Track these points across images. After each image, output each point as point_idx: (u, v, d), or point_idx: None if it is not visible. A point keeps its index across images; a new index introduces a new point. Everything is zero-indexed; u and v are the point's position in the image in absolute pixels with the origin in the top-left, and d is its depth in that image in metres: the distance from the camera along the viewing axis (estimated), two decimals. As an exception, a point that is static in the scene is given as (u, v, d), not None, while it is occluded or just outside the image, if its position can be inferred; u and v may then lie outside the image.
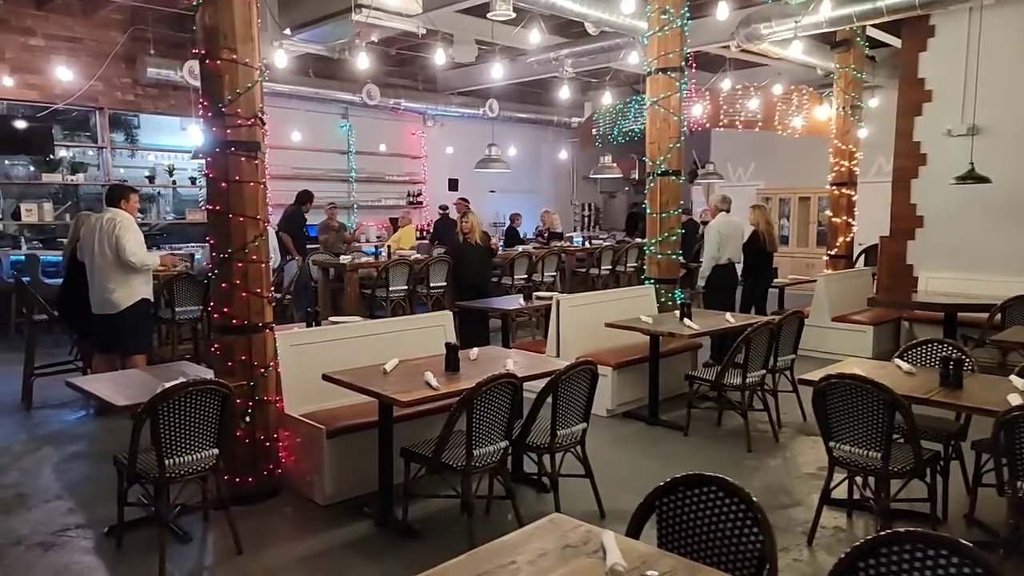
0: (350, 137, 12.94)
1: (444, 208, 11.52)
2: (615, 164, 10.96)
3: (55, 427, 5.45)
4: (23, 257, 8.54)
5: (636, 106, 11.09)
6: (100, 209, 6.41)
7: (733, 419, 5.28)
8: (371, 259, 7.86)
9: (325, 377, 3.71)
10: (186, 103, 10.94)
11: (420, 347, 4.48)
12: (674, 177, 6.53)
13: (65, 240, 6.54)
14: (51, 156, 10.34)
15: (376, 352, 4.24)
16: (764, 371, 5.05)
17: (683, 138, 6.50)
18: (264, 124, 3.88)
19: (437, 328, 4.89)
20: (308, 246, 9.42)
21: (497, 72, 9.65)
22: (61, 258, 6.28)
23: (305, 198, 9.16)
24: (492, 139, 15.02)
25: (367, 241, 11.55)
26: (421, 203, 14.00)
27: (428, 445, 3.42)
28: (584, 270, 10.14)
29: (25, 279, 7.86)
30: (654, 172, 6.52)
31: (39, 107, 9.78)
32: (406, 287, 7.56)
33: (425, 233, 11.75)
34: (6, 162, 10.24)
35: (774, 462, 4.71)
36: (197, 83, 3.91)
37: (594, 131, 11.83)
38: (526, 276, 8.80)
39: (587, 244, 11.83)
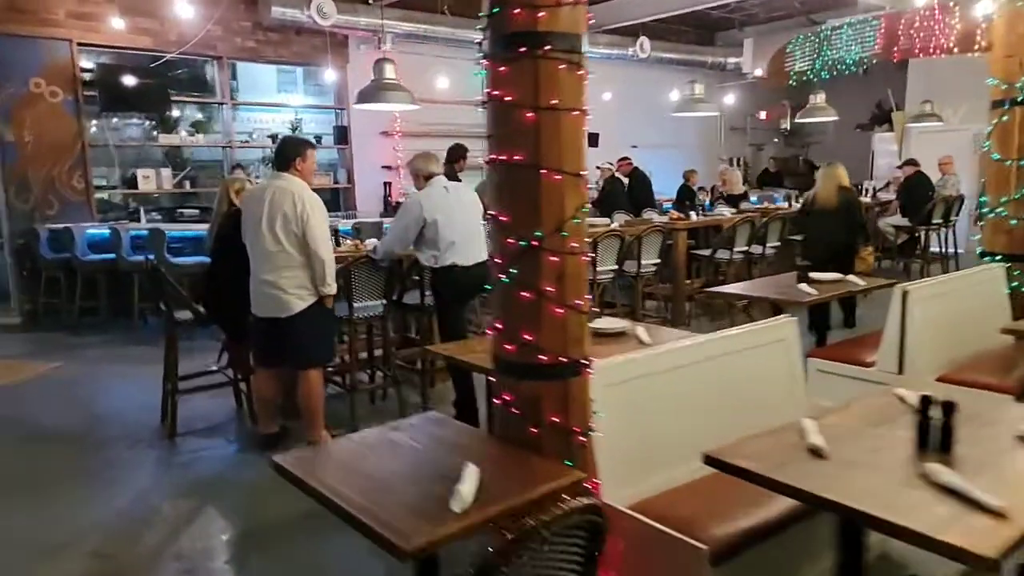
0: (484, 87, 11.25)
1: (626, 160, 9.60)
2: (824, 103, 8.81)
3: (214, 467, 4.07)
4: (145, 232, 7.28)
5: (849, 31, 8.94)
6: (255, 174, 4.95)
7: None
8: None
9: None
10: (311, 49, 9.52)
11: (759, 374, 2.95)
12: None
13: (210, 213, 5.11)
14: (168, 113, 9.09)
15: (704, 387, 2.78)
16: None
17: None
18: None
19: (776, 345, 3.15)
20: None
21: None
22: (206, 235, 4.84)
23: (457, 155, 7.51)
24: (641, 82, 13.15)
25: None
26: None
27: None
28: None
29: (148, 256, 6.60)
30: (1010, 99, 4.53)
31: (151, 56, 8.48)
32: (616, 267, 5.87)
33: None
34: (115, 120, 9.05)
35: None
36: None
37: (787, 67, 9.72)
38: (745, 248, 6.94)
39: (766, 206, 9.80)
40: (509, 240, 2.17)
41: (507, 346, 2.23)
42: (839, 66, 8.99)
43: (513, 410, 2.24)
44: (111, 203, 8.84)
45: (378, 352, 5.00)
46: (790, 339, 3.18)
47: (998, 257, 4.65)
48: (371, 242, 5.23)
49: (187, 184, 9.13)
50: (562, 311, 2.18)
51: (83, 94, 7.91)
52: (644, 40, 11.89)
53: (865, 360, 4.16)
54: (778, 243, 7.23)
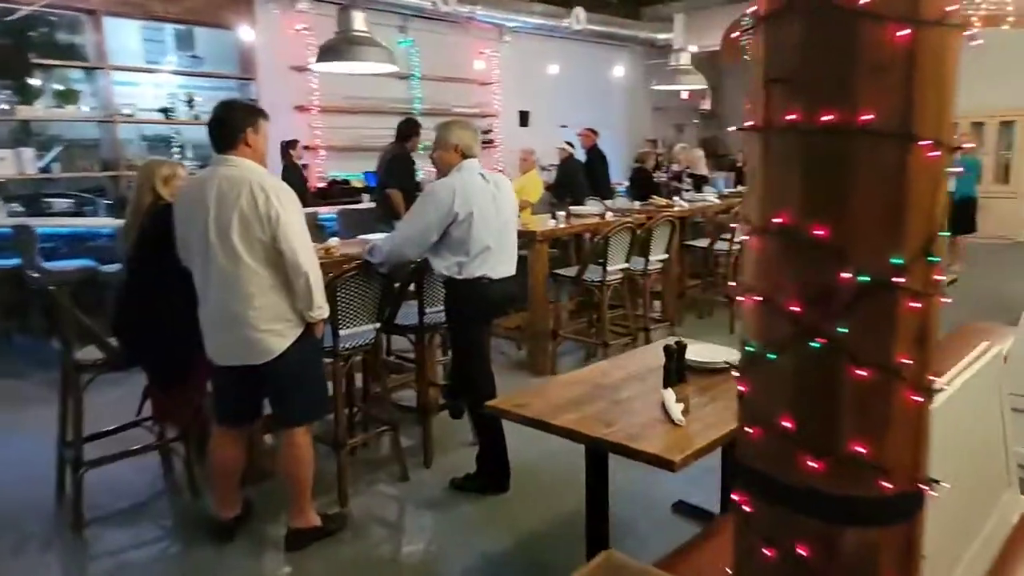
0: (412, 57, 10.03)
1: (591, 132, 8.66)
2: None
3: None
4: (8, 229, 5.65)
5: None
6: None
7: None
8: (562, 223, 5.13)
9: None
10: (207, 5, 7.97)
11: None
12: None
13: (125, 212, 3.75)
14: (27, 81, 7.32)
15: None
16: None
17: None
18: None
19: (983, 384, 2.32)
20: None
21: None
22: (117, 235, 3.54)
23: (409, 131, 6.35)
24: (557, 59, 12.30)
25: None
26: (492, 142, 11.20)
27: None
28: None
29: (12, 262, 5.08)
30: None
31: (3, 9, 6.71)
32: (626, 265, 4.93)
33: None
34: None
35: None
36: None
37: (743, 40, 9.09)
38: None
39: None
40: (826, 272, 1.17)
41: (809, 462, 1.23)
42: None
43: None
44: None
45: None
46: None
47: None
48: (371, 238, 4.04)
49: (55, 168, 7.40)
50: (919, 399, 1.21)
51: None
52: (579, 11, 11.04)
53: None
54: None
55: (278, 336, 2.68)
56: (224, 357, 2.73)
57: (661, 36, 12.95)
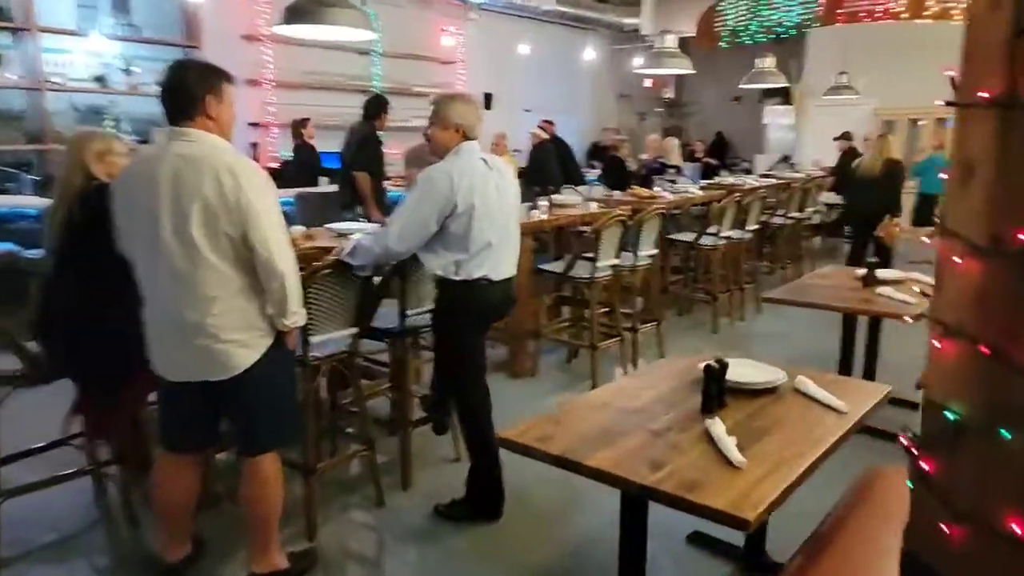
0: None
1: (549, 123, 8.28)
2: (775, 69, 7.96)
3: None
4: None
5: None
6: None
7: None
8: (545, 214, 4.70)
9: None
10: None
11: None
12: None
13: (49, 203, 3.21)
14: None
15: None
16: None
17: None
18: None
19: None
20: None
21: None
22: (42, 219, 3.02)
23: (377, 109, 5.84)
24: (524, 40, 11.86)
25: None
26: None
27: None
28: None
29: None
30: None
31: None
32: (617, 261, 4.56)
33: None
34: None
35: None
36: None
37: (718, 25, 8.84)
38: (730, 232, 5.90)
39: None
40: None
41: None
42: (777, 28, 8.22)
43: None
44: None
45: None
46: None
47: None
48: (340, 228, 3.58)
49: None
50: None
51: None
52: (548, -10, 10.65)
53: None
54: (756, 225, 6.30)
55: (244, 347, 2.22)
56: (176, 372, 2.26)
57: (629, 21, 12.66)
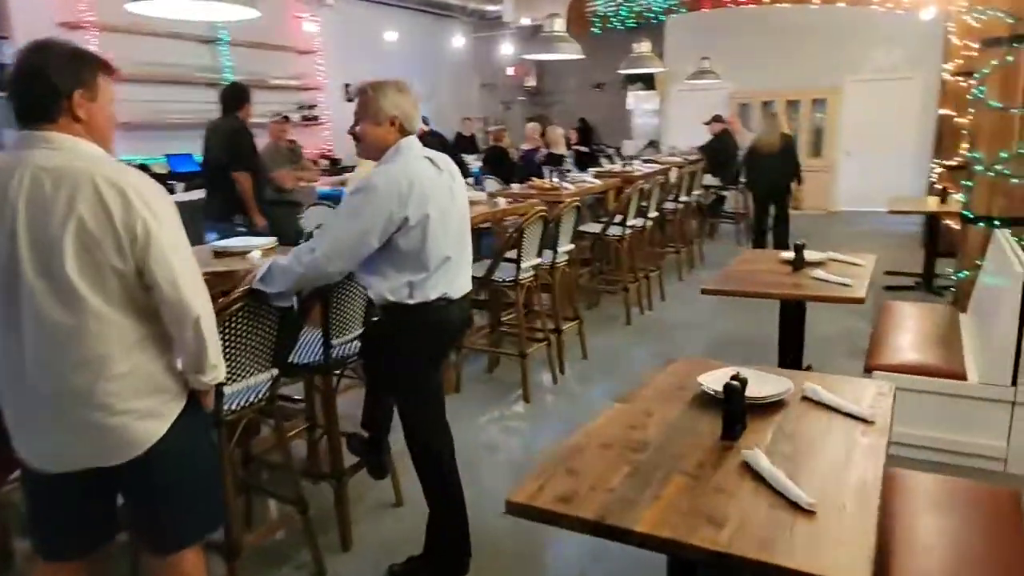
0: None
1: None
2: (652, 54, 7.92)
3: None
4: None
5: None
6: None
7: None
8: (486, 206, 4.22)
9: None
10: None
11: None
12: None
13: None
14: None
15: None
16: None
17: None
18: None
19: None
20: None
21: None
22: None
23: (240, 98, 5.14)
24: (385, 28, 11.30)
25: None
26: (316, 119, 9.99)
27: None
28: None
29: None
30: (1013, 36, 3.84)
31: None
32: (539, 260, 4.21)
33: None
34: None
35: None
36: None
37: (589, 11, 8.72)
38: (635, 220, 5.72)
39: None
40: None
41: None
42: (647, 14, 8.21)
43: None
44: None
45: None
46: None
47: (996, 223, 4.06)
48: (228, 246, 2.99)
49: None
50: None
51: None
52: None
53: (957, 371, 3.22)
54: (656, 212, 6.20)
55: (148, 418, 1.68)
56: (52, 460, 1.68)
57: (491, 8, 12.39)
